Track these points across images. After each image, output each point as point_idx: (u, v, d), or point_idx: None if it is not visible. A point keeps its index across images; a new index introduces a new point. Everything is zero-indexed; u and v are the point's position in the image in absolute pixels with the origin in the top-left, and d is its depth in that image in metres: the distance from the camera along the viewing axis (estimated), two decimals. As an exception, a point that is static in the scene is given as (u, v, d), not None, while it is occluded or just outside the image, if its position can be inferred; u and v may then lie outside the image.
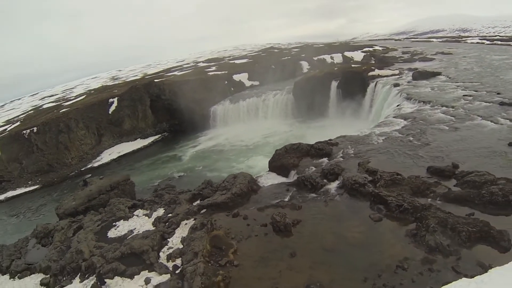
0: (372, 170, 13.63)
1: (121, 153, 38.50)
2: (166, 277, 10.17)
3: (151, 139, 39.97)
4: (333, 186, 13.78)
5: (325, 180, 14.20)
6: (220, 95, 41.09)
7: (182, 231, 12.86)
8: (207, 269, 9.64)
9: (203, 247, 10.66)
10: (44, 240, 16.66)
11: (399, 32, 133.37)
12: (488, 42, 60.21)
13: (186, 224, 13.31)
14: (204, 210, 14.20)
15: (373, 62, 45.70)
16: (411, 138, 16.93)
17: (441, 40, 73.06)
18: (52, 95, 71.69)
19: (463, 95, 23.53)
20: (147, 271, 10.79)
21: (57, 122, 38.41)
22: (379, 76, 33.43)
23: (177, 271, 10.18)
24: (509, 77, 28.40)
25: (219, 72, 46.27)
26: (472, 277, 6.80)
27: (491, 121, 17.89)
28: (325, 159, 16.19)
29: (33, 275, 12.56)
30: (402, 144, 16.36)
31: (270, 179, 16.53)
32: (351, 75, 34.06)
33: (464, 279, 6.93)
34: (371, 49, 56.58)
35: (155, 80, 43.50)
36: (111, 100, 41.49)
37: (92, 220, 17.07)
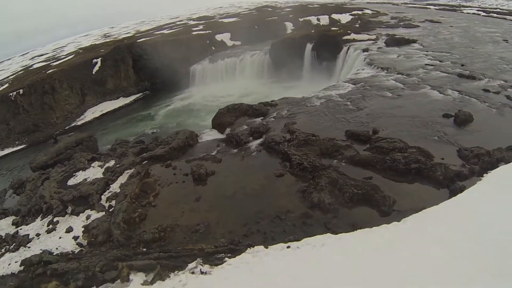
0: (292, 130, 14.52)
1: (104, 111, 39.68)
2: (102, 214, 12.07)
3: (133, 98, 40.96)
4: (255, 143, 14.80)
5: (250, 138, 15.27)
6: (201, 55, 41.42)
7: (123, 178, 14.50)
8: (129, 208, 11.40)
9: (132, 190, 12.50)
10: (18, 190, 18.53)
11: None
12: (484, 14, 58.06)
13: (127, 173, 14.91)
14: (146, 161, 15.69)
15: (357, 26, 45.07)
16: (349, 103, 17.46)
17: (438, 8, 70.65)
18: (42, 54, 71.32)
19: (425, 64, 23.40)
20: (89, 210, 12.71)
21: (42, 84, 39.38)
22: (354, 40, 33.25)
23: (110, 210, 12.10)
24: (483, 50, 28.11)
25: (202, 32, 46.13)
26: (337, 233, 7.87)
27: (439, 91, 18.04)
28: (259, 119, 17.13)
29: (7, 218, 14.27)
30: (336, 108, 16.98)
31: (210, 136, 17.75)
32: (326, 38, 33.91)
33: (328, 234, 7.90)
34: (360, 12, 55.14)
35: (138, 41, 43.69)
36: (95, 60, 42.02)
37: (57, 171, 18.80)
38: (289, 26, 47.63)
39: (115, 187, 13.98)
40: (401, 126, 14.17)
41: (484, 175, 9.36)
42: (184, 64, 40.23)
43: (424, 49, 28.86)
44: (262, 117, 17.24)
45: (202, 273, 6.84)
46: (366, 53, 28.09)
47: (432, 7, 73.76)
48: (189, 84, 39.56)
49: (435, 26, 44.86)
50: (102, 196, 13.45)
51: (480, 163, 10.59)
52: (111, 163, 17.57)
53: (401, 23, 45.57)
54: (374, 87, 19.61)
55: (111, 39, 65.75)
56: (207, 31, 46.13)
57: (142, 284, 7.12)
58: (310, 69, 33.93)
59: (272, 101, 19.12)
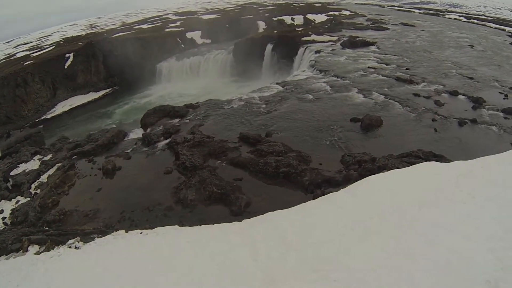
0: (194, 132, 15.39)
1: (73, 106, 40.50)
2: (28, 199, 13.50)
3: (102, 93, 41.69)
4: (163, 143, 15.57)
5: (161, 138, 16.10)
6: (169, 52, 42.01)
7: (52, 170, 15.82)
8: (46, 195, 12.97)
9: (53, 181, 14.12)
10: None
11: None
12: (464, 20, 59.16)
13: (57, 166, 16.21)
14: (75, 156, 16.89)
15: (327, 26, 45.71)
16: (263, 106, 18.10)
17: (422, 12, 71.38)
18: (27, 43, 71.78)
19: (368, 67, 24.00)
20: (20, 196, 14.05)
21: (14, 77, 40.25)
22: (314, 41, 33.90)
23: (34, 196, 13.53)
24: (440, 55, 28.94)
25: (175, 29, 46.81)
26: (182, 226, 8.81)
27: (364, 95, 18.69)
28: (176, 120, 17.99)
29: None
30: (248, 111, 17.63)
31: (135, 134, 18.55)
32: (286, 39, 34.54)
33: (176, 226, 8.77)
34: (337, 13, 55.70)
35: (112, 36, 44.49)
36: (67, 55, 42.82)
37: (4, 163, 20.00)
38: (262, 25, 48.12)
39: (44, 177, 15.41)
40: (299, 130, 14.80)
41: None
42: (152, 61, 40.97)
43: (378, 52, 29.49)
44: (180, 119, 17.97)
45: (76, 248, 8.39)
46: (317, 54, 28.80)
47: (416, 10, 74.31)
48: (156, 81, 40.22)
49: (406, 29, 45.48)
50: (32, 185, 14.85)
51: (359, 169, 10.92)
52: (48, 156, 18.83)
53: (373, 25, 46.15)
54: (299, 89, 20.21)
55: (94, 31, 66.63)
56: (180, 29, 46.72)
57: (34, 254, 8.72)
58: (269, 69, 34.60)
59: (196, 103, 19.73)
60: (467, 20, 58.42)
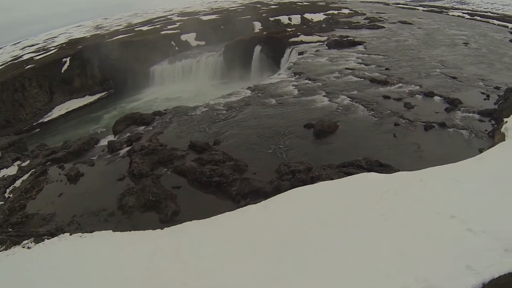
0: (152, 140, 15.50)
1: (69, 109, 41.28)
2: (1, 203, 13.95)
3: (97, 96, 42.34)
4: (124, 150, 15.72)
5: (124, 145, 16.25)
6: (163, 55, 42.29)
7: (26, 176, 16.32)
8: (16, 199, 13.60)
9: (24, 186, 14.77)
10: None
11: None
12: (468, 17, 57.78)
13: (31, 171, 16.67)
14: (49, 162, 17.30)
15: (323, 26, 45.17)
16: (224, 112, 18.01)
17: (426, 9, 69.94)
18: (33, 45, 73.30)
19: (346, 68, 23.50)
20: None
21: (13, 82, 41.32)
22: (302, 42, 33.53)
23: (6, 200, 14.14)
24: (429, 53, 28.28)
25: (170, 32, 47.02)
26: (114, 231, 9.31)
27: (330, 98, 18.29)
28: (142, 127, 18.02)
29: None
30: (208, 118, 17.59)
31: (107, 141, 18.74)
32: (274, 40, 34.32)
33: (110, 231, 9.33)
34: (336, 12, 54.94)
35: (105, 41, 44.99)
36: (64, 59, 43.61)
37: None
38: (257, 25, 47.90)
39: (18, 182, 15.96)
40: (248, 137, 14.62)
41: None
42: (146, 64, 41.34)
43: (363, 52, 28.98)
44: (145, 126, 18.08)
45: (28, 248, 9.09)
46: (300, 56, 28.46)
47: (421, 8, 72.81)
48: (149, 84, 40.51)
49: (402, 27, 44.62)
50: (7, 190, 15.35)
51: (292, 180, 10.73)
52: (26, 162, 19.37)
53: (369, 24, 45.47)
54: (266, 94, 19.97)
55: (104, 31, 67.57)
56: (175, 31, 46.90)
57: (-5, 252, 9.58)
58: (258, 71, 34.42)
59: (164, 110, 19.82)
60: (470, 17, 56.99)
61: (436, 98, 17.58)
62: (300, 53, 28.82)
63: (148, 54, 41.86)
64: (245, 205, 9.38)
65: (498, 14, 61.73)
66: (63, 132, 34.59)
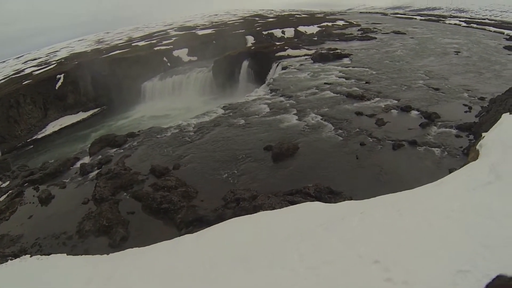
0: (119, 163, 15.69)
1: (63, 126, 41.74)
2: None
3: (91, 112, 42.78)
4: (94, 173, 15.94)
5: (95, 168, 16.50)
6: (155, 72, 42.65)
7: (3, 197, 16.67)
8: None
9: (0, 207, 15.09)
10: None
11: (395, 6, 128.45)
12: (464, 24, 58.52)
13: (9, 192, 17.08)
14: (26, 184, 17.55)
15: (315, 38, 45.29)
16: (192, 133, 17.98)
17: (423, 18, 70.49)
18: (36, 58, 74.59)
19: (325, 83, 23.33)
20: None
21: (8, 98, 41.90)
22: (288, 56, 33.57)
23: None
24: (416, 64, 28.23)
25: (163, 47, 47.43)
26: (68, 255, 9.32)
27: (299, 116, 17.98)
28: (114, 150, 18.16)
29: None
30: (176, 140, 17.53)
31: (81, 162, 18.79)
32: (261, 55, 34.37)
33: (64, 254, 9.28)
34: (330, 24, 55.06)
35: (98, 58, 45.55)
36: (58, 76, 44.19)
37: None
38: (250, 39, 48.14)
39: None
40: (207, 161, 14.50)
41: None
42: (138, 80, 41.70)
43: (347, 65, 28.99)
44: (117, 148, 18.25)
45: None
46: (283, 71, 28.38)
47: (418, 17, 73.47)
48: (140, 101, 40.73)
49: (394, 37, 44.71)
50: None
51: (236, 208, 10.62)
52: (6, 183, 19.81)
53: (361, 35, 45.61)
54: (238, 113, 19.90)
55: (104, 45, 68.56)
56: (168, 47, 47.31)
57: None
58: (245, 86, 34.39)
59: (138, 131, 19.93)
60: (467, 25, 57.23)
61: (413, 112, 17.16)
62: (284, 68, 28.85)
63: (140, 70, 42.27)
64: (186, 233, 9.27)
65: (496, 20, 61.64)
66: (52, 150, 34.91)
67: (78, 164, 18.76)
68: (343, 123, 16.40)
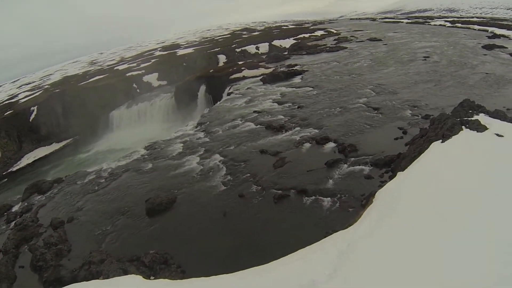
0: (31, 214, 15.85)
1: (36, 157, 42.57)
2: None
3: (64, 143, 43.31)
4: (13, 222, 15.78)
5: (18, 216, 16.42)
6: (123, 99, 42.73)
7: None
8: None
9: None
10: None
11: (386, 10, 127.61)
12: (449, 25, 58.49)
13: None
14: None
15: (285, 53, 44.47)
16: (102, 181, 17.41)
17: (410, 21, 69.35)
18: (30, 83, 76.53)
19: (254, 111, 22.12)
20: None
21: (-17, 131, 42.68)
22: (244, 77, 32.84)
23: None
24: (370, 77, 26.81)
25: (135, 73, 47.46)
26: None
27: (202, 158, 16.78)
28: (39, 197, 18.16)
29: None
30: (85, 189, 17.06)
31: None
32: (216, 79, 33.76)
33: None
34: (307, 35, 53.94)
35: (68, 88, 46.07)
36: (32, 108, 44.82)
37: None
38: (222, 58, 47.59)
39: None
40: (95, 214, 14.09)
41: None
42: (107, 109, 41.83)
43: (295, 85, 28.01)
44: (42, 195, 18.26)
45: None
46: (228, 96, 27.50)
47: (405, 20, 72.02)
48: (108, 130, 40.82)
49: (366, 46, 43.98)
50: None
51: (87, 271, 10.15)
52: None
53: (332, 46, 44.81)
54: (152, 155, 18.89)
55: (92, 68, 69.65)
56: (140, 72, 47.34)
57: None
58: (202, 112, 33.56)
59: (66, 176, 19.96)
60: (452, 25, 55.87)
61: (328, 146, 15.36)
62: (229, 94, 27.98)
63: (110, 99, 42.52)
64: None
65: (485, 18, 59.06)
66: (22, 183, 34.83)
67: (13, 209, 18.82)
68: (238, 167, 15.16)
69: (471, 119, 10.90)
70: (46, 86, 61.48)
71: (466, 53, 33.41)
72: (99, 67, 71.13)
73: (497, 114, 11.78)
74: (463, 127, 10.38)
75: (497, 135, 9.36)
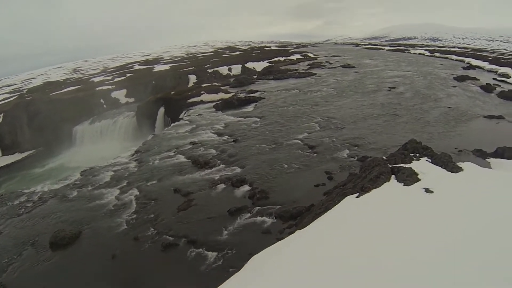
0: None
1: (-1, 166, 41.90)
2: None
3: (26, 154, 43.21)
4: None
5: None
6: (89, 114, 42.98)
7: None
8: None
9: None
10: None
11: (372, 37, 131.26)
12: (428, 54, 60.53)
13: None
14: None
15: (255, 77, 45.18)
16: (29, 205, 17.05)
17: (391, 48, 71.38)
18: (11, 85, 76.17)
19: (191, 142, 22.06)
20: None
21: (-51, 140, 42.48)
22: (202, 102, 33.26)
23: None
24: (321, 109, 26.87)
25: (104, 87, 47.83)
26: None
27: (119, 193, 16.41)
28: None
29: None
30: (6, 213, 16.97)
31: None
32: (174, 101, 34.20)
33: None
34: (282, 58, 54.91)
35: (35, 99, 46.29)
36: (-3, 117, 44.81)
37: None
38: (192, 78, 48.16)
39: None
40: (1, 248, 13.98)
41: None
42: (72, 123, 41.92)
43: (242, 114, 28.04)
44: None
45: None
46: (177, 122, 27.76)
47: (386, 47, 73.69)
48: (71, 145, 40.96)
49: (335, 73, 45.12)
50: None
51: None
52: None
53: (302, 72, 45.71)
54: (82, 182, 18.63)
55: (75, 76, 69.71)
56: (109, 87, 47.70)
57: None
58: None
59: (1, 195, 19.69)
60: (430, 54, 57.58)
61: (243, 188, 14.91)
62: (179, 119, 28.25)
63: (75, 112, 42.65)
64: None
65: (467, 48, 60.98)
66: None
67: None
68: (148, 205, 15.10)
69: (404, 167, 9.68)
70: (25, 90, 61.66)
71: (436, 85, 33.97)
72: (81, 75, 71.57)
73: (440, 160, 10.51)
74: (392, 176, 9.31)
75: (426, 190, 7.83)
